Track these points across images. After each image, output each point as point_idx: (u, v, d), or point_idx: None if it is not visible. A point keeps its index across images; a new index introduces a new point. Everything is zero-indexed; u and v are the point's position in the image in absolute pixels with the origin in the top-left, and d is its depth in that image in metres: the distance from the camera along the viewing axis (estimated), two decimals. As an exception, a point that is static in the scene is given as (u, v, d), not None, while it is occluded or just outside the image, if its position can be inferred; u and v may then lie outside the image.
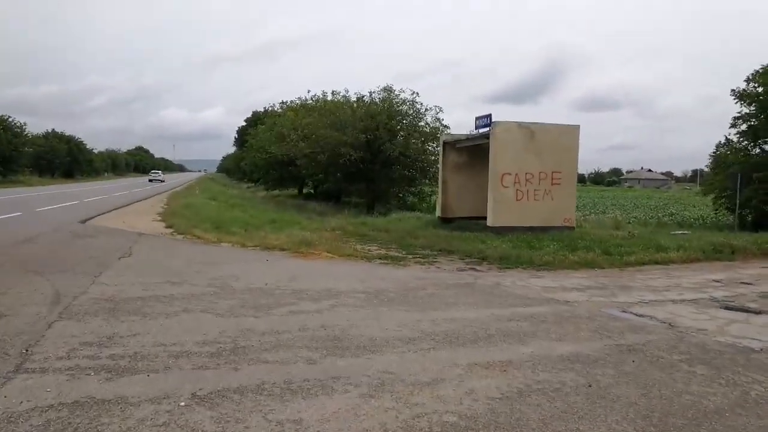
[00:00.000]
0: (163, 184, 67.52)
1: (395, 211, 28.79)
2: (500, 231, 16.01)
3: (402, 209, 29.17)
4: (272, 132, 37.56)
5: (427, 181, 30.15)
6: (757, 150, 23.97)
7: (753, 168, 22.04)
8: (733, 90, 23.60)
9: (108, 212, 20.19)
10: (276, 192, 48.60)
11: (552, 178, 16.73)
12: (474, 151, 20.13)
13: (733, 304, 8.52)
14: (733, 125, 24.31)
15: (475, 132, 19.01)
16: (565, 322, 6.83)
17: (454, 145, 20.22)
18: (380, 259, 12.14)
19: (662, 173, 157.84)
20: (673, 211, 34.78)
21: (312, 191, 43.36)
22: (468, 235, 16.05)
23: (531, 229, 16.14)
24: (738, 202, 17.56)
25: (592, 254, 13.02)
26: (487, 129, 17.76)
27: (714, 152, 24.91)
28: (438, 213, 20.77)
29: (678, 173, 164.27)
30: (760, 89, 22.91)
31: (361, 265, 11.18)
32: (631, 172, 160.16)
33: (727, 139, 24.49)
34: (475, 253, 13.24)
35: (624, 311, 7.77)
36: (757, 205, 21.18)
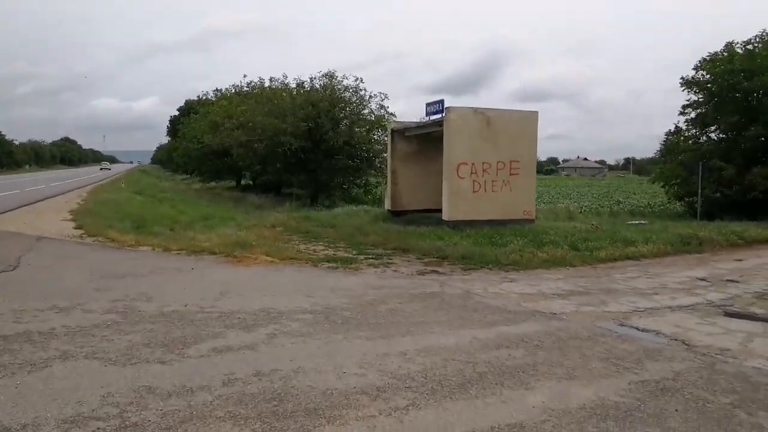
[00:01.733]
0: (84, 178, 62.34)
1: (340, 203, 27.15)
2: (457, 225, 14.71)
3: (347, 201, 27.58)
4: (205, 121, 35.02)
5: (372, 171, 28.64)
6: (705, 138, 23.70)
7: (703, 156, 21.64)
8: (682, 78, 23.19)
9: (9, 211, 17.59)
10: (212, 184, 45.95)
11: (510, 168, 15.54)
12: (425, 139, 18.76)
13: (735, 309, 7.45)
14: (682, 113, 23.97)
15: (425, 119, 17.62)
16: (566, 346, 5.47)
17: (404, 133, 18.76)
18: (328, 261, 10.55)
19: (596, 162, 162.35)
20: (620, 199, 34.68)
21: (251, 183, 41.06)
22: (423, 230, 14.66)
23: (489, 222, 14.92)
24: (700, 190, 16.94)
25: (560, 250, 11.88)
26: (440, 116, 16.39)
27: (664, 140, 24.54)
28: (387, 206, 19.31)
29: (611, 162, 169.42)
30: (708, 77, 22.56)
31: (307, 270, 9.55)
32: (568, 161, 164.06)
33: (676, 127, 24.17)
34: (434, 252, 11.85)
35: (623, 325, 6.52)
36: (708, 194, 20.78)
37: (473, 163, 15.15)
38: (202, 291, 7.32)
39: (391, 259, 11.34)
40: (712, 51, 23.14)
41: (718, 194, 20.42)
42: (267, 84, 30.73)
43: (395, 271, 10.01)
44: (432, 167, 19.04)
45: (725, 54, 22.68)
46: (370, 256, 11.43)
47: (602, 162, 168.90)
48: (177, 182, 57.18)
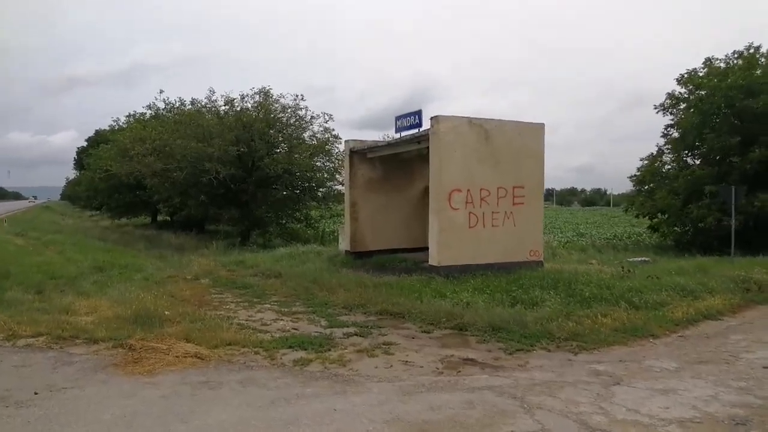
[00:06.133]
0: None
1: (276, 241, 22.84)
2: (450, 272, 10.95)
3: (284, 239, 23.30)
4: (115, 148, 29.59)
5: (316, 203, 24.53)
6: (691, 161, 21.33)
7: (699, 182, 19.17)
8: (669, 94, 20.81)
9: None
10: (123, 221, 40.06)
11: (513, 196, 12.01)
12: (392, 162, 15.02)
13: None
14: (664, 134, 21.59)
15: (396, 136, 13.91)
16: None
17: (365, 154, 14.93)
18: (291, 346, 6.48)
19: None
20: (582, 231, 32.12)
21: (168, 219, 35.73)
22: (406, 280, 10.75)
23: (489, 266, 11.28)
24: (734, 221, 14.06)
25: (619, 311, 8.32)
26: (416, 131, 12.80)
27: (645, 165, 21.93)
28: (345, 246, 15.28)
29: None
30: (699, 93, 20.25)
31: (262, 378, 5.35)
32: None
33: (659, 149, 21.65)
34: (443, 318, 8.00)
35: None
36: (710, 224, 18.14)
37: (469, 190, 11.50)
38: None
39: (383, 333, 7.41)
40: (684, 70, 20.95)
41: (723, 222, 17.72)
42: (189, 105, 26.05)
43: (407, 362, 6.06)
44: (401, 197, 15.31)
45: (705, 71, 20.55)
46: (352, 331, 7.43)
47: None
48: (83, 219, 50.47)
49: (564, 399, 4.83)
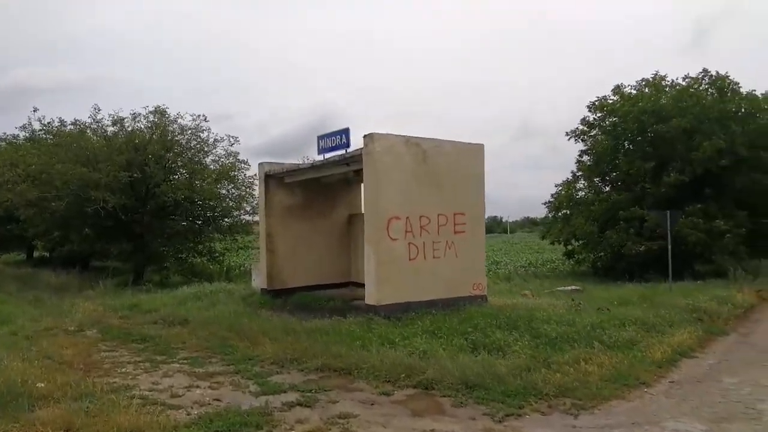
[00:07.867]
0: None
1: (177, 279, 20.38)
2: (390, 311, 9.58)
3: (185, 275, 20.84)
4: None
5: (220, 235, 22.25)
6: (605, 187, 21.55)
7: (616, 207, 19.24)
8: (583, 120, 20.93)
9: None
10: (-7, 258, 35.05)
11: (455, 223, 10.89)
12: (313, 187, 13.49)
13: None
14: (579, 160, 21.68)
15: (319, 158, 12.39)
16: None
17: (283, 179, 13.30)
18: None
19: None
20: (496, 259, 31.95)
21: (47, 254, 31.61)
22: (342, 324, 9.20)
23: (431, 303, 10.02)
24: (670, 246, 13.81)
25: (594, 353, 7.36)
26: (342, 152, 11.42)
27: (559, 192, 21.90)
28: (260, 283, 13.46)
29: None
30: (612, 119, 20.52)
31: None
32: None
33: (574, 175, 21.69)
34: (402, 374, 6.58)
35: None
36: (629, 250, 18.10)
37: (408, 217, 10.23)
38: None
39: (332, 398, 5.88)
40: (593, 97, 21.32)
41: (642, 248, 17.73)
42: (70, 126, 22.95)
43: (377, 447, 4.54)
44: (323, 226, 13.79)
45: (616, 98, 20.93)
46: (293, 399, 5.83)
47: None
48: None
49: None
